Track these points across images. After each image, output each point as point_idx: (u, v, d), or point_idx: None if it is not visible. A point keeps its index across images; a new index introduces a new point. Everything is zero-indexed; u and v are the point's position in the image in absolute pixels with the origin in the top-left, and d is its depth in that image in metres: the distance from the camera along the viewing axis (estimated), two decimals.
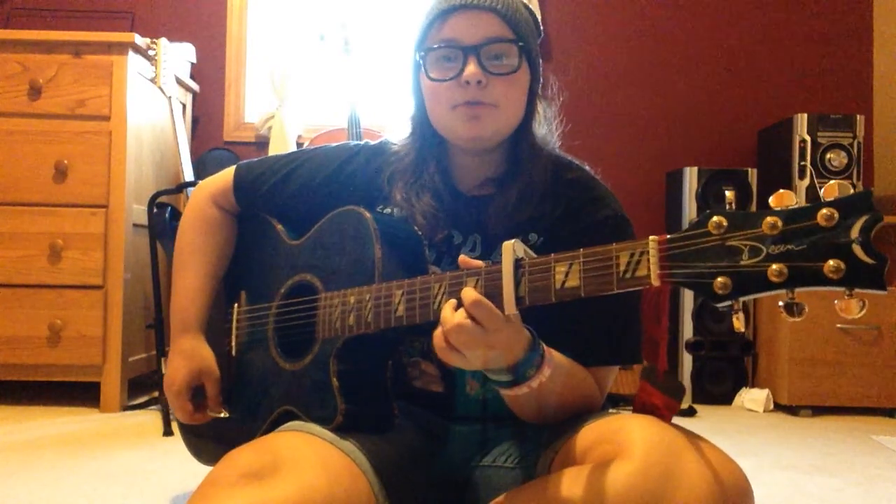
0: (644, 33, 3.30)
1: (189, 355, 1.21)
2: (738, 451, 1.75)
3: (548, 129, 1.18)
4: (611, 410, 1.06)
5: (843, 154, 2.81)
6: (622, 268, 0.78)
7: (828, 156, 2.81)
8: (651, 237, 0.77)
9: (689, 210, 2.91)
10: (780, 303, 0.71)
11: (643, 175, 3.22)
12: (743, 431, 2.40)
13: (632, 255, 0.78)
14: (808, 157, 2.81)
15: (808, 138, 2.82)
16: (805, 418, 2.63)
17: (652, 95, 3.29)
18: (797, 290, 0.69)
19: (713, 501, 0.83)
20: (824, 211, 0.67)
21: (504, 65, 1.07)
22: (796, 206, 0.70)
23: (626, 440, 0.86)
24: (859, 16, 3.30)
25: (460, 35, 1.07)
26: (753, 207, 2.88)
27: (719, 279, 0.71)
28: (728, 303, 0.73)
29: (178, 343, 1.23)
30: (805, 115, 2.83)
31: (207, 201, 1.29)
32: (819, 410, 2.69)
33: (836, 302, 0.68)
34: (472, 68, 1.06)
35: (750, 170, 2.93)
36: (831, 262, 0.67)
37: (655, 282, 0.76)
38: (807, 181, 2.80)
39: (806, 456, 2.08)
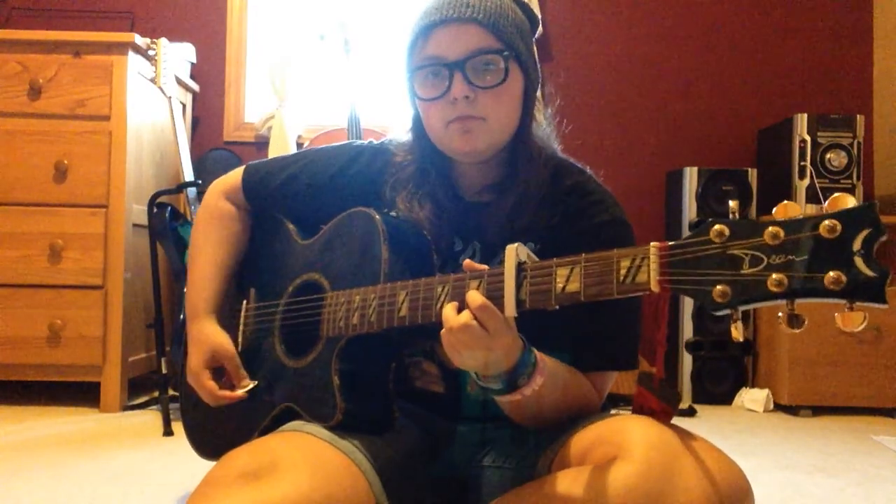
0: (644, 33, 3.30)
1: (199, 340, 1.22)
2: (738, 451, 1.75)
3: (549, 130, 1.18)
4: (612, 411, 1.06)
5: (843, 154, 2.81)
6: (622, 273, 0.78)
7: (828, 156, 2.80)
8: (652, 243, 0.77)
9: (689, 210, 2.91)
10: (780, 314, 0.70)
11: (643, 175, 3.22)
12: (743, 431, 2.40)
13: (632, 261, 0.77)
14: (808, 157, 2.80)
15: (808, 138, 2.81)
16: (805, 418, 2.63)
17: (652, 95, 3.29)
18: (797, 301, 0.69)
19: (713, 502, 0.83)
20: (827, 223, 0.67)
21: (491, 76, 1.06)
22: (799, 217, 0.69)
23: (626, 441, 0.86)
24: (859, 16, 3.30)
25: (444, 51, 1.06)
26: (754, 207, 2.90)
27: (719, 287, 0.71)
28: (727, 311, 0.72)
29: (190, 332, 1.25)
30: (805, 115, 2.83)
31: (219, 197, 1.31)
32: (819, 410, 2.69)
33: (836, 315, 0.68)
34: (458, 85, 1.04)
35: (750, 170, 2.93)
36: (832, 274, 0.66)
37: (655, 288, 0.75)
38: (807, 181, 2.80)
39: (806, 456, 2.08)
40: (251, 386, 1.19)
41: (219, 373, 1.23)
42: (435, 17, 1.06)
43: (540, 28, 1.23)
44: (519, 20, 1.11)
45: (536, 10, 1.21)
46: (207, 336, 1.22)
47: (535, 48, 1.15)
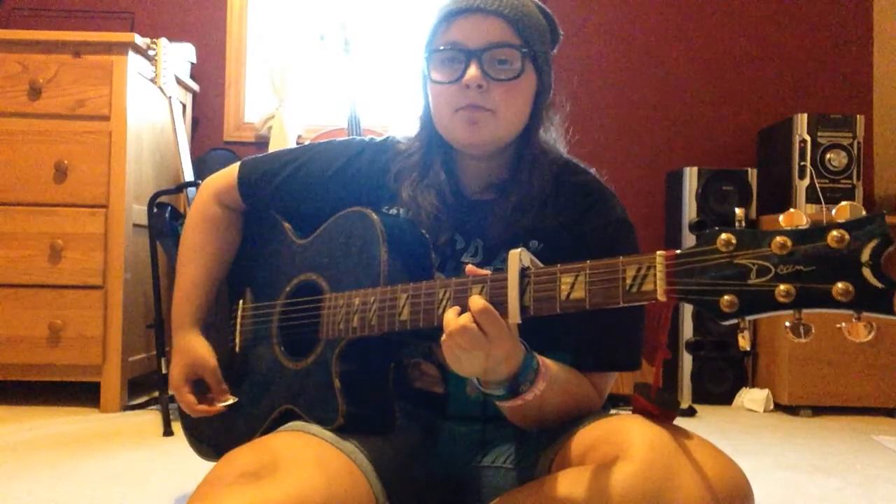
0: (644, 33, 3.30)
1: (182, 352, 1.23)
2: (738, 451, 1.75)
3: (556, 136, 1.18)
4: (611, 411, 1.06)
5: (843, 154, 2.80)
6: (629, 282, 0.77)
7: (828, 156, 2.80)
8: (659, 252, 0.76)
9: (689, 210, 2.91)
10: (787, 323, 0.70)
11: (643, 175, 3.22)
12: (743, 431, 2.40)
13: (638, 269, 0.77)
14: (808, 157, 2.80)
15: (808, 138, 2.81)
16: (805, 418, 2.63)
17: (652, 95, 3.29)
18: (804, 311, 0.69)
19: (713, 502, 0.83)
20: (835, 233, 0.66)
21: (506, 70, 1.07)
22: (806, 227, 0.69)
23: (626, 441, 0.86)
24: (859, 16, 3.30)
25: (465, 38, 1.07)
26: (754, 208, 2.90)
27: (726, 297, 0.71)
28: (734, 321, 0.72)
29: (174, 342, 1.25)
30: (805, 115, 2.82)
31: (211, 199, 1.29)
32: (819, 410, 2.69)
33: (843, 324, 0.67)
34: (472, 72, 1.05)
35: (750, 170, 2.93)
36: (840, 285, 0.66)
37: (662, 297, 0.75)
38: (807, 181, 2.80)
39: (806, 456, 2.08)
40: (230, 402, 1.20)
41: (203, 384, 1.23)
42: (462, 4, 1.08)
43: None
44: (542, 26, 1.14)
45: None
46: (190, 348, 1.22)
47: (551, 58, 1.16)
